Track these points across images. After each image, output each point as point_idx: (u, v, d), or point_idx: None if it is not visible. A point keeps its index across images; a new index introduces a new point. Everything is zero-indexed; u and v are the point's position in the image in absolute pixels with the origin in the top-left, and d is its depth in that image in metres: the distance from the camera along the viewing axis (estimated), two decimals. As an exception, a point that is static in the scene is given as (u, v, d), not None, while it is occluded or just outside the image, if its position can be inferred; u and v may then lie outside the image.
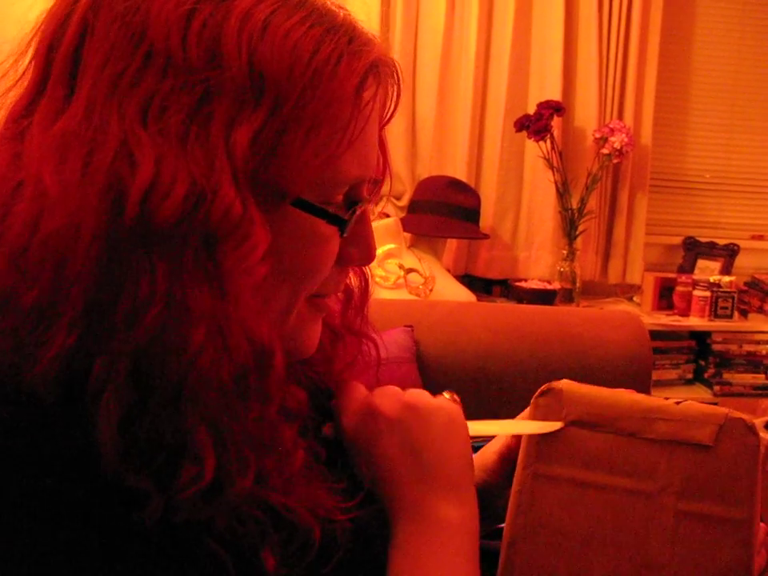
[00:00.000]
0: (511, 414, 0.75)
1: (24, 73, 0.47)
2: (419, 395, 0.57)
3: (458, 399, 0.60)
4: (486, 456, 0.69)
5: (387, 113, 0.53)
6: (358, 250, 0.52)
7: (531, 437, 0.61)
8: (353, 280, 0.60)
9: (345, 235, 0.50)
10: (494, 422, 0.65)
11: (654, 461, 0.58)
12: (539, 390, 0.63)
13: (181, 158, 0.41)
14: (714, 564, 0.56)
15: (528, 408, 0.64)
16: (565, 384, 0.63)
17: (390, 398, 0.57)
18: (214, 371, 0.41)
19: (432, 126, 2.55)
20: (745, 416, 0.58)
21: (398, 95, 0.52)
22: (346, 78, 0.45)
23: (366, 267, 0.60)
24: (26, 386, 0.40)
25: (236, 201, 0.42)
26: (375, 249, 0.54)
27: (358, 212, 0.50)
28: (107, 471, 0.40)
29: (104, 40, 0.42)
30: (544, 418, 0.62)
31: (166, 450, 0.41)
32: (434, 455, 0.55)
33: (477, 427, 0.61)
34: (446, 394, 0.59)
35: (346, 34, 0.46)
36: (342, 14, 0.48)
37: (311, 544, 0.46)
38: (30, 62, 0.46)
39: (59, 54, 0.44)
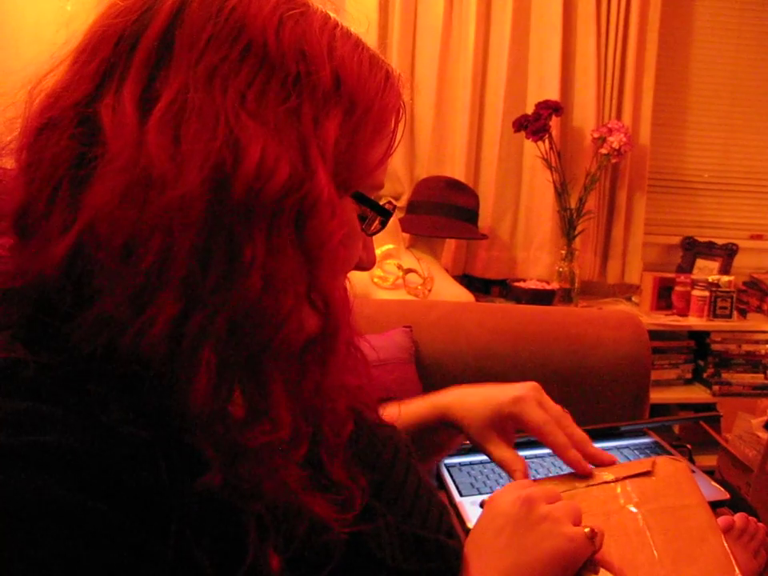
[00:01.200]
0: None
1: (75, 62, 0.49)
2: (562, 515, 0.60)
3: (597, 543, 0.60)
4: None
5: None
6: (366, 253, 0.58)
7: None
8: None
9: (377, 233, 0.57)
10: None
11: (611, 494, 0.70)
12: None
13: (279, 143, 0.46)
14: (688, 528, 0.66)
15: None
16: None
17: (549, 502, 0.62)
18: (294, 337, 0.47)
19: (430, 126, 2.55)
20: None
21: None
22: (393, 96, 0.54)
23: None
24: (122, 354, 0.43)
25: (327, 186, 0.47)
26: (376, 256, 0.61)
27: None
28: (193, 429, 0.44)
29: (200, 33, 0.47)
30: None
31: (244, 407, 0.45)
32: (542, 570, 0.57)
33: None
34: (587, 529, 0.59)
35: (384, 63, 0.54)
36: (374, 47, 0.55)
37: (311, 550, 0.48)
38: (86, 52, 0.49)
39: (143, 43, 0.47)
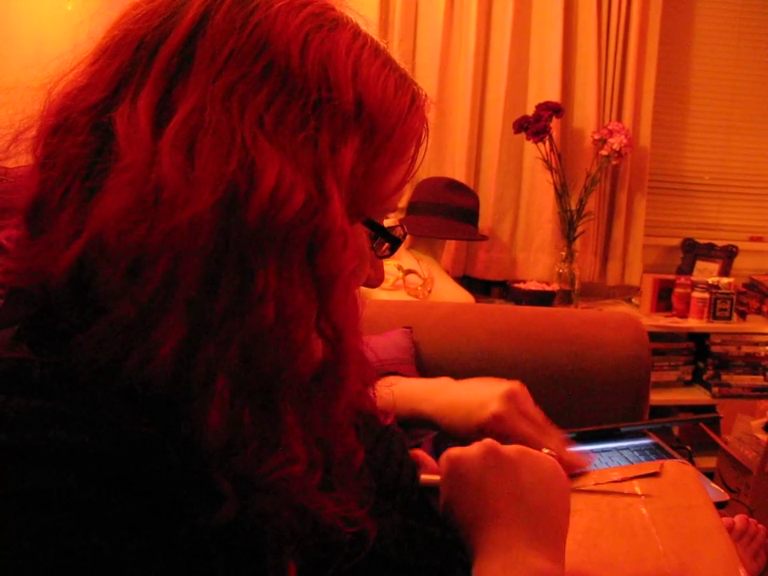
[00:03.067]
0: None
1: (94, 63, 0.48)
2: (527, 447, 0.63)
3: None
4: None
5: None
6: (375, 271, 0.57)
7: None
8: None
9: (387, 257, 0.56)
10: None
11: (618, 492, 0.71)
12: None
13: (295, 169, 0.44)
14: (694, 526, 0.66)
15: None
16: None
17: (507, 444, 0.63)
18: (306, 367, 0.46)
19: (431, 126, 2.54)
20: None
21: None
22: (418, 121, 0.53)
23: None
24: (121, 381, 0.42)
25: (340, 215, 0.45)
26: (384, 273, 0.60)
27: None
28: (206, 461, 0.42)
29: (221, 46, 0.45)
30: None
31: (258, 439, 0.43)
32: (539, 501, 0.59)
33: None
34: (545, 450, 0.63)
35: (412, 84, 0.53)
36: (403, 65, 0.53)
37: (318, 550, 0.47)
38: (106, 54, 0.48)
39: (163, 52, 0.45)
